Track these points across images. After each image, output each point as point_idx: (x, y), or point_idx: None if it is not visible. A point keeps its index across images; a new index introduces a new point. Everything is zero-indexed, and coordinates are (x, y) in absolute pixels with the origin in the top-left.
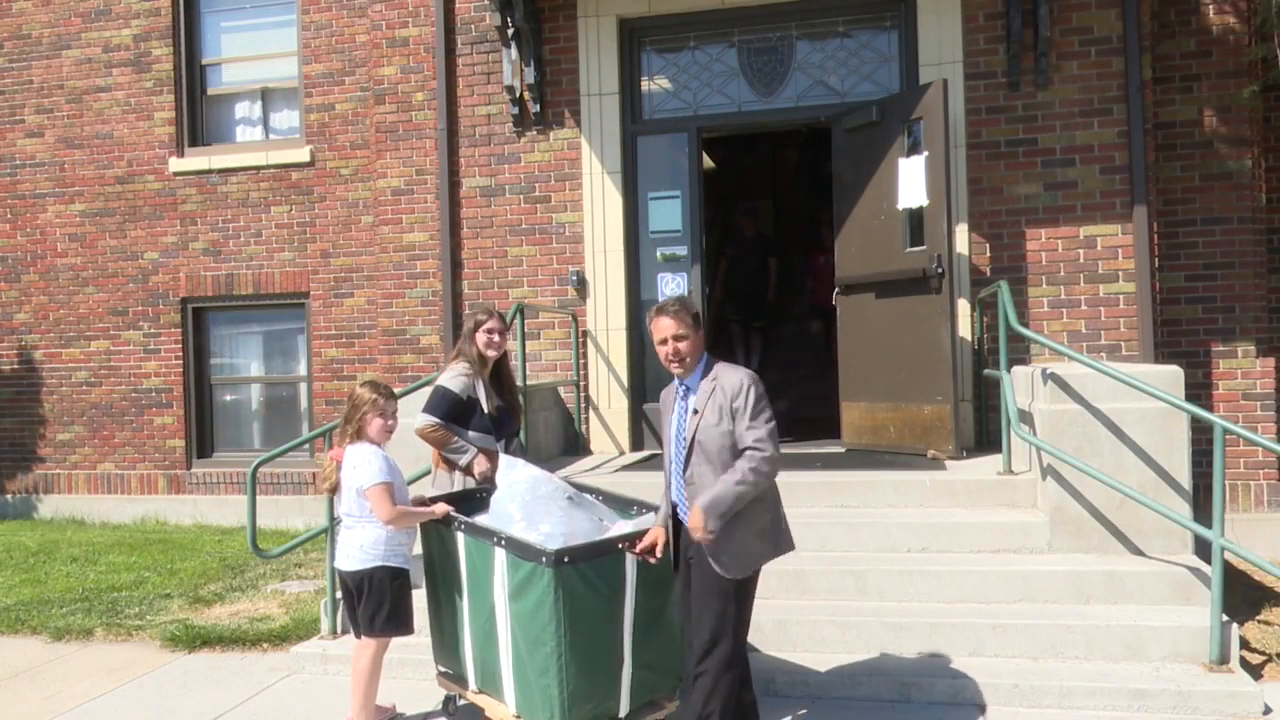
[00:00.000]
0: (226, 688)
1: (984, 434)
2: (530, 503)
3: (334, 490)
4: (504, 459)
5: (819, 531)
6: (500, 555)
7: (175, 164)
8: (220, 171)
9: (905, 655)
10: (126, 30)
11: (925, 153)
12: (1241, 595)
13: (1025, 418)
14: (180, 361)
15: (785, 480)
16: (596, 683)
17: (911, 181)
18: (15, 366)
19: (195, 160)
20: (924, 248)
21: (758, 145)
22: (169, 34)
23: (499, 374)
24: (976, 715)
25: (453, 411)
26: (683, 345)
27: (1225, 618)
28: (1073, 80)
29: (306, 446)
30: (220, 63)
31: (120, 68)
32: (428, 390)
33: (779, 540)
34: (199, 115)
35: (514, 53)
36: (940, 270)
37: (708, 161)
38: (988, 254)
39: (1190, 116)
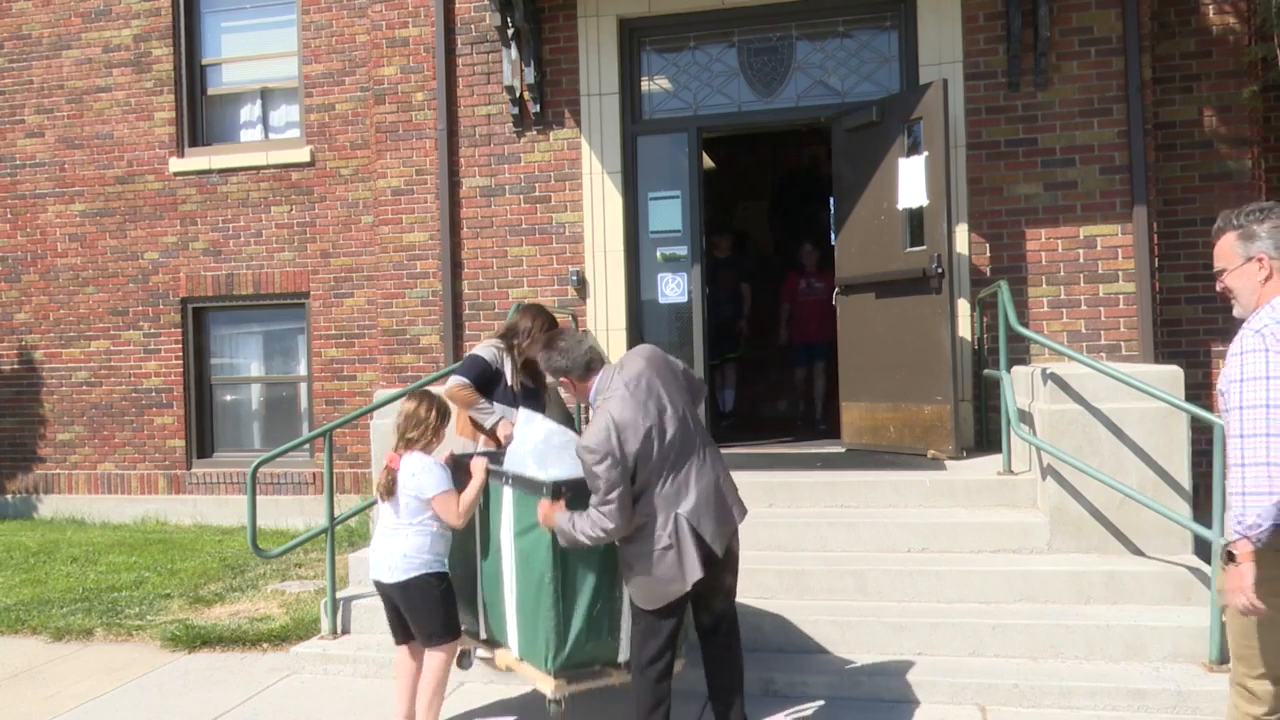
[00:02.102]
0: (226, 688)
1: (984, 434)
2: (544, 451)
3: (389, 496)
4: (522, 412)
5: (819, 531)
6: (508, 495)
7: (175, 164)
8: (220, 171)
9: (905, 655)
10: (126, 30)
11: (925, 153)
12: None
13: (1025, 418)
14: (180, 361)
15: (786, 480)
16: (595, 625)
17: (911, 181)
18: (15, 366)
19: (195, 160)
20: (924, 248)
21: (758, 145)
22: (169, 34)
23: (534, 366)
24: (976, 715)
25: (481, 377)
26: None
27: (1225, 618)
28: (1073, 80)
29: (306, 447)
30: (220, 63)
31: (120, 68)
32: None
33: (646, 593)
34: (199, 115)
35: (514, 53)
36: (940, 270)
37: (708, 161)
38: (988, 254)
39: (1190, 116)
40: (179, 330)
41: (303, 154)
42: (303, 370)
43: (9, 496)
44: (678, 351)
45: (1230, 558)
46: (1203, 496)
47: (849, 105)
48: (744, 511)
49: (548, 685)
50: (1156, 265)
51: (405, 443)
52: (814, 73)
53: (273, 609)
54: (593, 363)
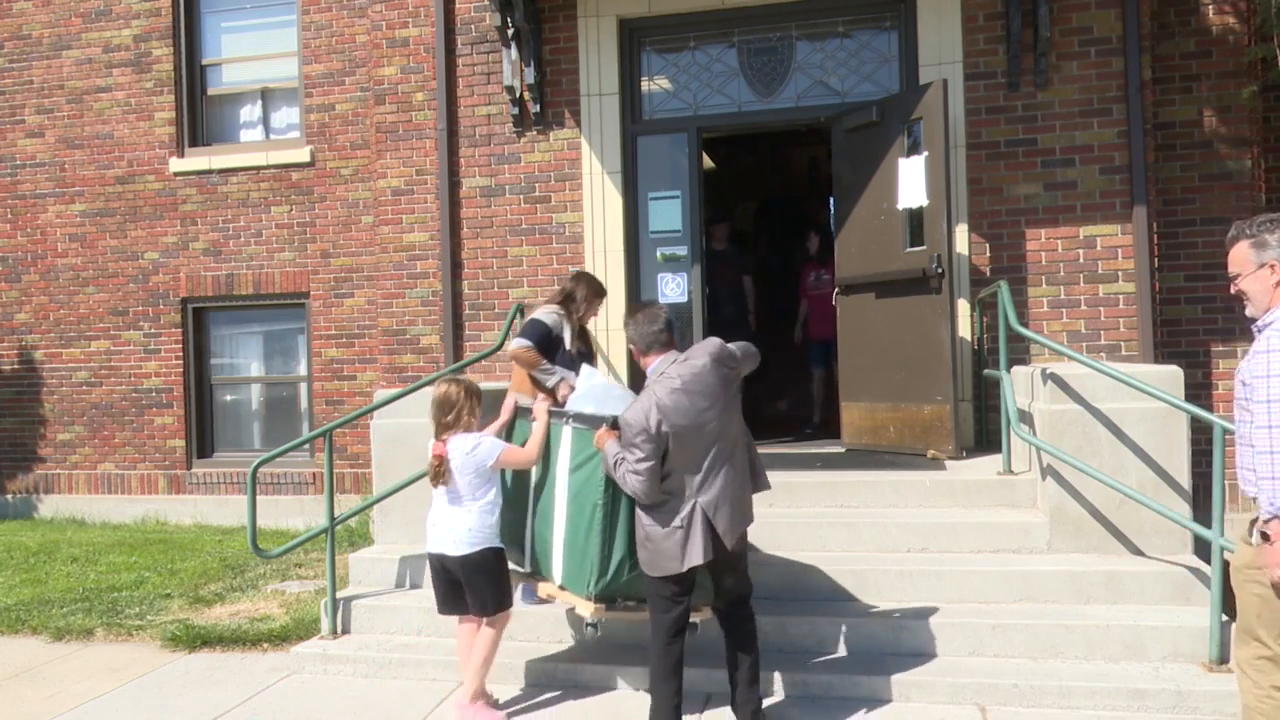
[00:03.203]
0: (226, 688)
1: (984, 434)
2: (602, 399)
3: (443, 481)
4: (584, 368)
5: (819, 531)
6: (567, 433)
7: (175, 164)
8: (220, 171)
9: (905, 655)
10: (127, 30)
11: (925, 153)
12: None
13: (1025, 418)
14: (180, 361)
15: (786, 480)
16: (634, 557)
17: (911, 181)
18: (15, 366)
19: (195, 160)
20: (924, 248)
21: (758, 145)
22: (169, 34)
23: (585, 333)
24: (976, 715)
25: (543, 341)
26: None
27: (1225, 618)
28: (1072, 80)
29: (306, 447)
30: (220, 63)
31: (120, 68)
32: (428, 390)
33: (647, 559)
34: (199, 115)
35: (514, 53)
36: (940, 270)
37: (708, 161)
38: (987, 254)
39: (1190, 116)
40: (179, 330)
41: (303, 154)
42: (303, 370)
43: (9, 496)
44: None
45: (1265, 537)
46: (1202, 496)
47: (849, 105)
48: (749, 519)
49: (587, 608)
50: (1156, 265)
51: (443, 428)
52: (814, 73)
53: (273, 609)
54: (657, 344)
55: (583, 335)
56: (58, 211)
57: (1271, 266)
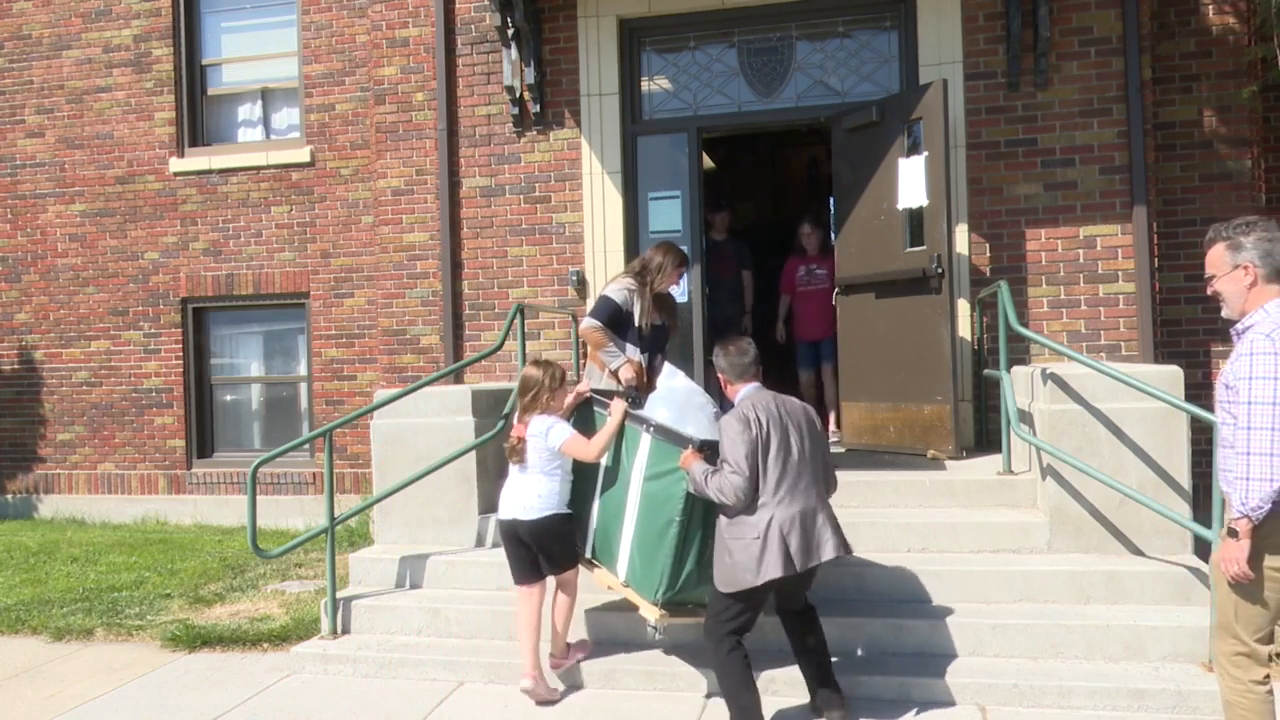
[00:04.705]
0: (227, 688)
1: (984, 434)
2: (683, 407)
3: (520, 459)
4: (667, 366)
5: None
6: (646, 440)
7: (175, 164)
8: (220, 172)
9: (905, 655)
10: (127, 30)
11: (925, 153)
12: None
13: (1025, 418)
14: (180, 361)
15: None
16: (704, 569)
17: (911, 181)
18: (15, 366)
19: (195, 160)
20: (924, 248)
21: (758, 145)
22: (169, 34)
23: (665, 300)
24: (976, 715)
25: (612, 319)
26: None
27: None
28: (1072, 80)
29: (306, 447)
30: (220, 63)
31: (120, 68)
32: (430, 388)
33: (723, 574)
34: (199, 115)
35: (514, 53)
36: (940, 270)
37: (708, 161)
38: (988, 254)
39: (1190, 116)
40: (179, 330)
41: (303, 154)
42: (303, 370)
43: (9, 496)
44: (677, 351)
45: (1232, 533)
46: (1202, 496)
47: (849, 105)
48: (836, 551)
49: (652, 613)
50: (1156, 265)
51: (524, 409)
52: (814, 73)
53: (273, 609)
54: (747, 374)
55: (664, 305)
56: (58, 211)
57: (1245, 268)
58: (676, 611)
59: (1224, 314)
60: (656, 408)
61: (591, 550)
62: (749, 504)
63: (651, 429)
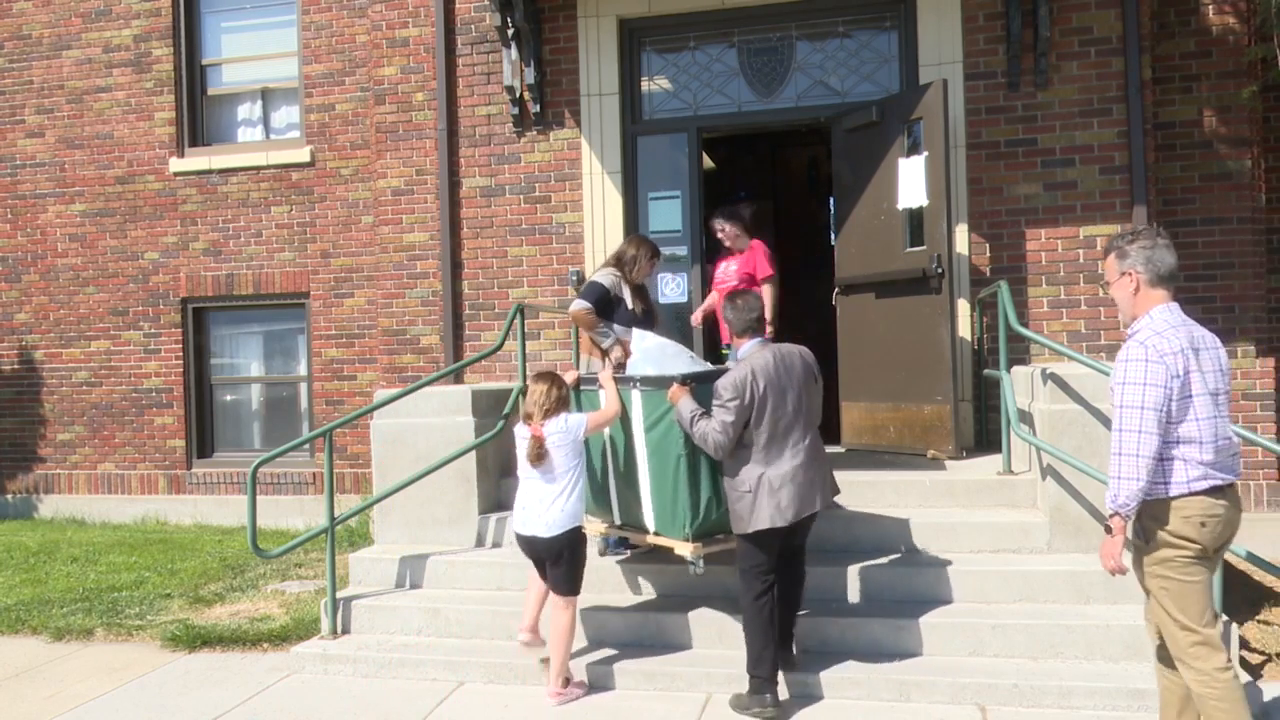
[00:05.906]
0: (227, 688)
1: (984, 434)
2: (660, 359)
3: (541, 462)
4: (635, 332)
5: (818, 531)
6: (636, 396)
7: (175, 164)
8: (220, 171)
9: (905, 655)
10: (127, 30)
11: (925, 153)
12: (1241, 595)
13: (1025, 418)
14: (180, 361)
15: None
16: (719, 495)
17: (911, 181)
18: (15, 366)
19: (195, 160)
20: (924, 248)
21: (758, 145)
22: (169, 34)
23: (641, 290)
24: (976, 715)
25: (601, 301)
26: None
27: (1225, 618)
28: (1072, 80)
29: (306, 447)
30: (220, 63)
31: (120, 68)
32: (430, 388)
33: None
34: (199, 115)
35: (514, 53)
36: (940, 270)
37: (708, 161)
38: (987, 254)
39: (1190, 116)
40: (179, 330)
41: (303, 154)
42: (303, 370)
43: (9, 496)
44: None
45: (1108, 530)
46: None
47: (849, 105)
48: (828, 502)
49: (687, 549)
50: None
51: (527, 417)
52: (814, 73)
53: (273, 609)
54: (750, 329)
55: (641, 295)
56: (58, 211)
57: (1130, 275)
58: (709, 542)
59: (1120, 319)
60: (638, 367)
61: (621, 518)
62: (742, 459)
63: (638, 384)
